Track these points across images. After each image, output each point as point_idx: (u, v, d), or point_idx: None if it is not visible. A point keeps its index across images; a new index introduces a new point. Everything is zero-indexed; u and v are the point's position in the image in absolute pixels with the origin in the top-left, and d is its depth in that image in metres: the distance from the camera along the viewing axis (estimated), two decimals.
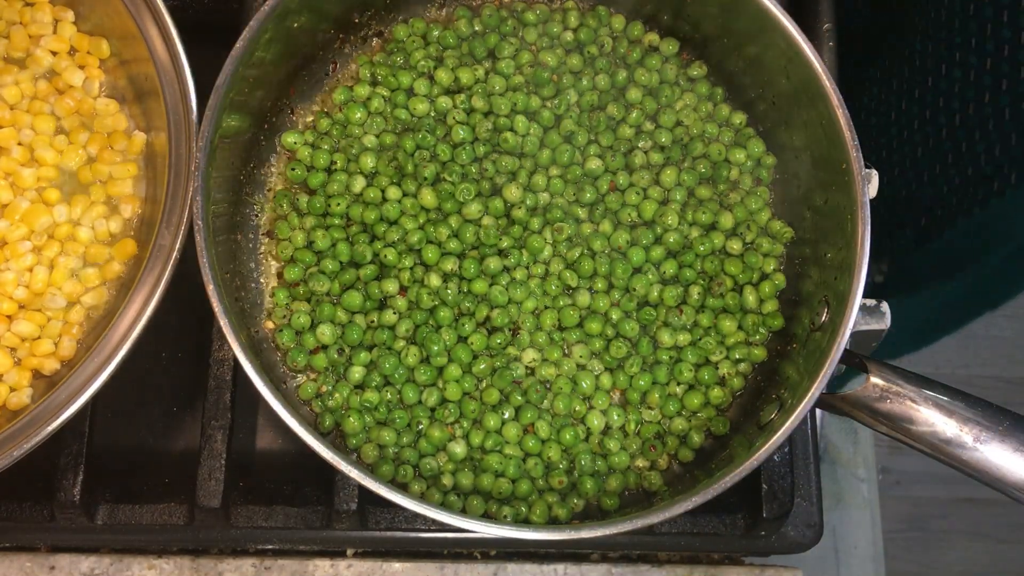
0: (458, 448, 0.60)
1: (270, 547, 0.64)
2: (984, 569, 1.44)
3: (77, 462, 0.60)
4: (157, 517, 0.62)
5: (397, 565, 0.63)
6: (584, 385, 0.61)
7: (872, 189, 0.58)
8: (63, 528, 0.62)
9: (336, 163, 0.64)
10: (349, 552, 0.64)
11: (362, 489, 0.58)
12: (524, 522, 0.59)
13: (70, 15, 0.65)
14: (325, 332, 0.61)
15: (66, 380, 0.55)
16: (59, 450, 0.60)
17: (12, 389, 0.59)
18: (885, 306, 0.60)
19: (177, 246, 0.57)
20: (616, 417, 0.61)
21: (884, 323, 0.59)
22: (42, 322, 0.60)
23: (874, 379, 0.54)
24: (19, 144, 0.62)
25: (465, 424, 0.60)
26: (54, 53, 0.65)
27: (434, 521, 0.53)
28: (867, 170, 0.57)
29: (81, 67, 0.65)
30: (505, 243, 0.63)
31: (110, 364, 0.55)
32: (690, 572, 0.64)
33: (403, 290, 0.62)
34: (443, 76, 0.66)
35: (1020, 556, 1.44)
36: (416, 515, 0.56)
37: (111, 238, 0.63)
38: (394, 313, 0.62)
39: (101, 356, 0.55)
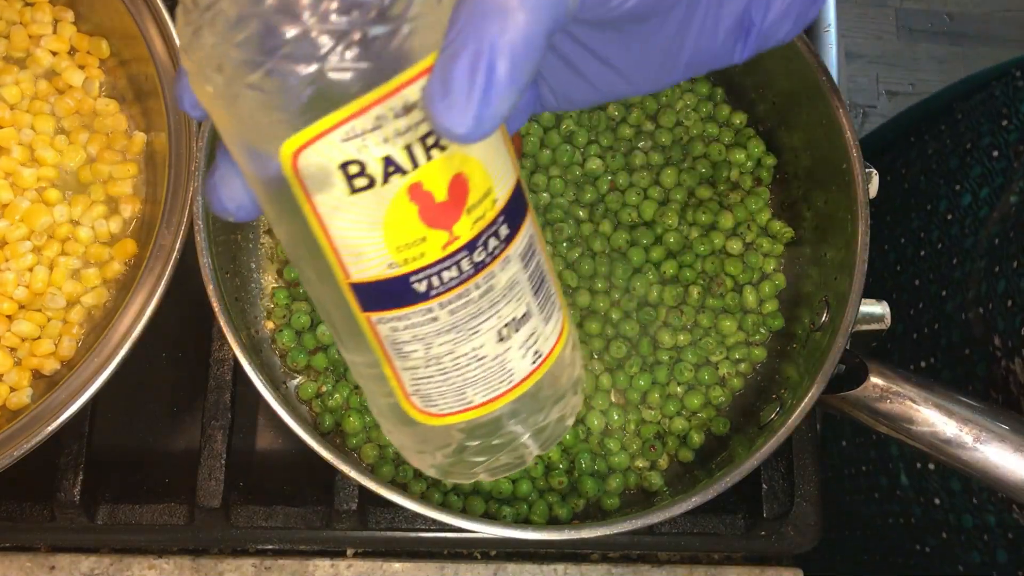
0: None
1: (270, 547, 0.64)
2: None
3: (77, 462, 0.60)
4: (157, 517, 0.62)
5: (397, 565, 0.63)
6: (584, 385, 0.61)
7: (872, 189, 0.58)
8: (63, 528, 0.62)
9: None
10: (349, 552, 0.64)
11: (362, 489, 0.58)
12: (524, 522, 0.59)
13: (70, 15, 0.65)
14: (325, 332, 0.61)
15: (66, 380, 0.55)
16: (59, 450, 0.60)
17: (12, 389, 0.59)
18: (885, 306, 0.60)
19: (177, 246, 0.57)
20: (616, 417, 0.61)
21: (884, 323, 0.59)
22: (42, 322, 0.60)
23: (874, 379, 0.54)
24: (19, 144, 0.62)
25: None
26: (54, 53, 0.65)
27: (434, 521, 0.53)
28: (867, 170, 0.57)
29: (81, 67, 0.65)
30: None
31: (110, 364, 0.55)
32: (690, 572, 0.64)
33: None
34: None
35: None
36: (416, 515, 0.56)
37: (111, 238, 0.63)
38: None
39: (101, 356, 0.55)
